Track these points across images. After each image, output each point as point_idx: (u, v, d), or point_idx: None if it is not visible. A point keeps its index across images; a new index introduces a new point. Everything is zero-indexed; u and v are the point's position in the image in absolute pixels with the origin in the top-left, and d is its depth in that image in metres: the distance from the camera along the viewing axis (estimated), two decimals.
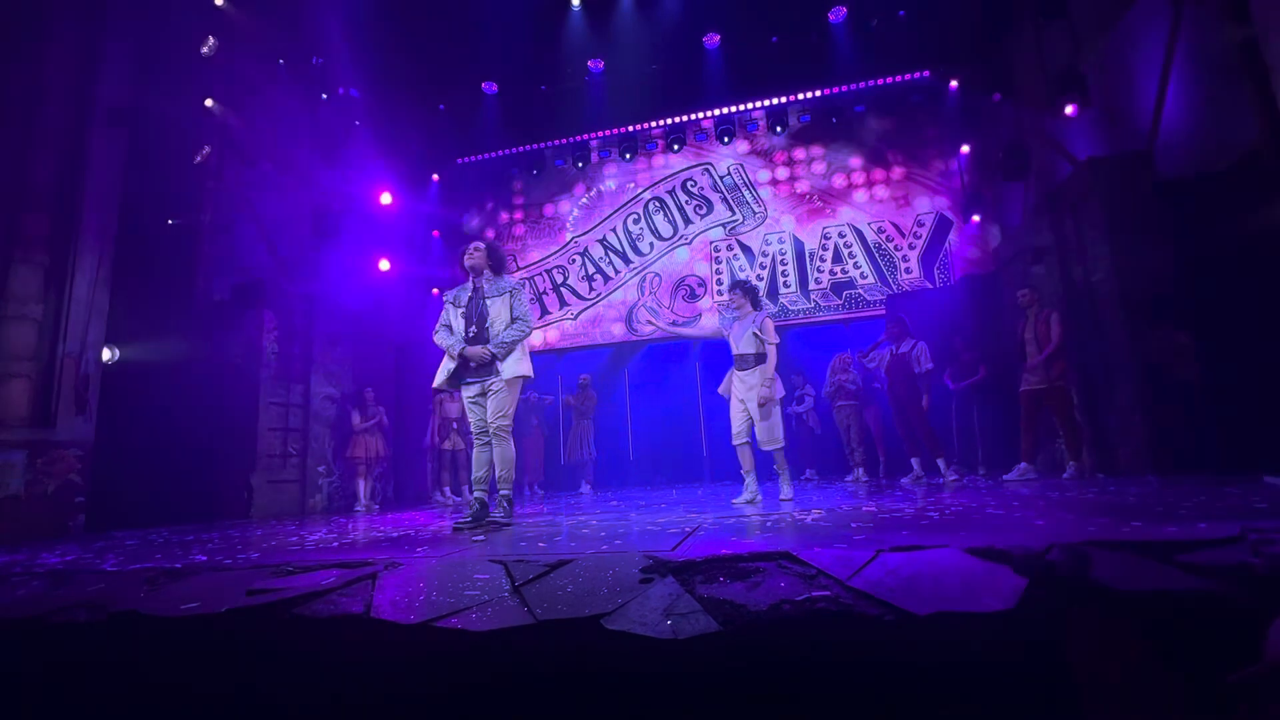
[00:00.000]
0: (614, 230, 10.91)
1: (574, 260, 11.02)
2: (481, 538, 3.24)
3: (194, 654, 1.96)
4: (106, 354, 6.32)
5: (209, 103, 7.28)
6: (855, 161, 9.96)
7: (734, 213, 10.40)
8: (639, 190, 10.91)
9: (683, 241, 10.56)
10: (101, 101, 6.15)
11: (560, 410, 10.15)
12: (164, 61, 6.91)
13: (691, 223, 10.58)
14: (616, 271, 10.79)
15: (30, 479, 5.34)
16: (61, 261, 5.80)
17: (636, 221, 10.83)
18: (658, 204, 10.78)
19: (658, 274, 10.56)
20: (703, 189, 10.61)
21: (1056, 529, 2.28)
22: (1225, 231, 4.70)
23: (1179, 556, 1.70)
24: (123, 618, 2.10)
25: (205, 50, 7.20)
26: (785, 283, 9.87)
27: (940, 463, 6.08)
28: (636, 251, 10.74)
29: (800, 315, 9.76)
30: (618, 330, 10.61)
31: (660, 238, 10.69)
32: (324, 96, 9.12)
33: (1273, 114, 4.16)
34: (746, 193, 10.38)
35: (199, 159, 7.22)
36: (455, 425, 7.98)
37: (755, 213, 10.29)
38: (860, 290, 9.60)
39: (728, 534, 2.76)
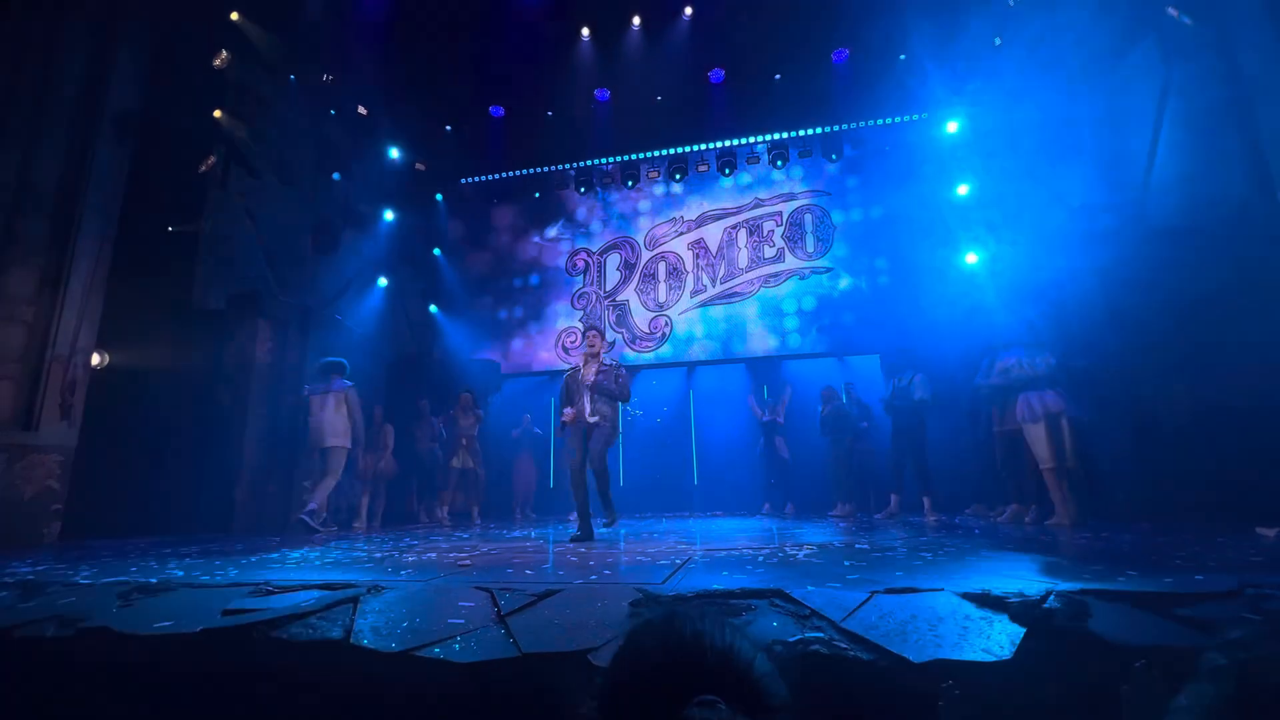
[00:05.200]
0: (614, 253, 10.98)
1: (575, 280, 11.07)
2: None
3: (166, 675, 1.89)
4: (95, 359, 6.24)
5: (218, 114, 7.33)
6: (853, 198, 10.11)
7: (737, 245, 10.50)
8: (640, 216, 11.03)
9: (684, 269, 10.64)
10: (110, 108, 6.18)
11: (554, 436, 10.08)
12: (175, 71, 6.97)
13: (694, 252, 10.68)
14: (616, 293, 10.83)
15: (7, 484, 5.22)
16: (57, 265, 5.75)
17: (634, 249, 10.91)
18: (662, 231, 10.88)
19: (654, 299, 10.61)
20: (703, 222, 10.72)
21: (1052, 575, 2.26)
22: (1216, 281, 4.77)
23: (1177, 610, 1.67)
24: (93, 634, 2.03)
25: (218, 63, 7.28)
26: (788, 314, 9.94)
27: (926, 501, 6.05)
28: (633, 274, 10.80)
29: (798, 349, 9.81)
30: (615, 353, 10.60)
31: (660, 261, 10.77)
32: (332, 113, 9.21)
33: (1261, 170, 4.26)
34: (747, 226, 10.50)
35: (204, 168, 7.25)
36: (465, 442, 7.93)
37: (756, 244, 10.39)
38: (851, 325, 9.66)
39: (719, 568, 2.71)
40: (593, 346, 5.16)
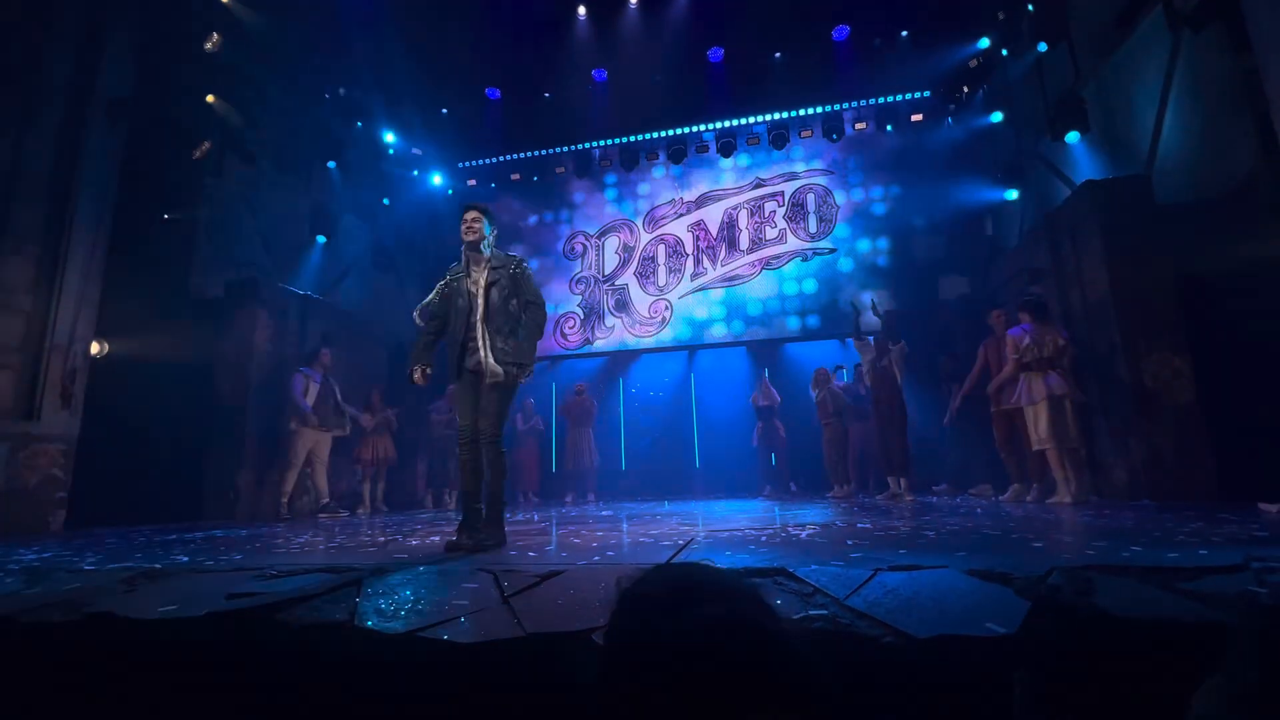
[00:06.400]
0: (613, 236, 10.91)
1: (573, 264, 11.01)
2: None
3: (171, 659, 1.90)
4: (95, 348, 6.23)
5: (211, 98, 7.24)
6: (854, 178, 10.01)
7: (738, 226, 10.42)
8: (639, 198, 10.93)
9: (684, 252, 10.57)
10: (102, 93, 6.10)
11: (553, 418, 10.08)
12: (167, 56, 6.87)
13: (693, 236, 10.60)
14: (615, 277, 10.77)
15: (11, 473, 5.24)
16: (53, 253, 5.72)
17: (632, 232, 10.83)
18: (662, 215, 10.80)
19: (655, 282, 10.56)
20: (703, 203, 10.63)
21: (1056, 552, 2.26)
22: (1223, 257, 4.72)
23: (1182, 584, 1.67)
24: (98, 619, 2.03)
25: (209, 46, 7.17)
26: (790, 296, 9.91)
27: (901, 481, 6.07)
28: (632, 258, 10.74)
29: (800, 331, 9.78)
30: (615, 338, 10.56)
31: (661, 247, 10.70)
32: (326, 96, 9.10)
33: (1271, 143, 4.19)
34: (748, 208, 10.41)
35: (198, 154, 7.17)
36: None
37: (757, 225, 10.31)
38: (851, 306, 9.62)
39: (722, 548, 2.72)
40: (473, 233, 3.21)
